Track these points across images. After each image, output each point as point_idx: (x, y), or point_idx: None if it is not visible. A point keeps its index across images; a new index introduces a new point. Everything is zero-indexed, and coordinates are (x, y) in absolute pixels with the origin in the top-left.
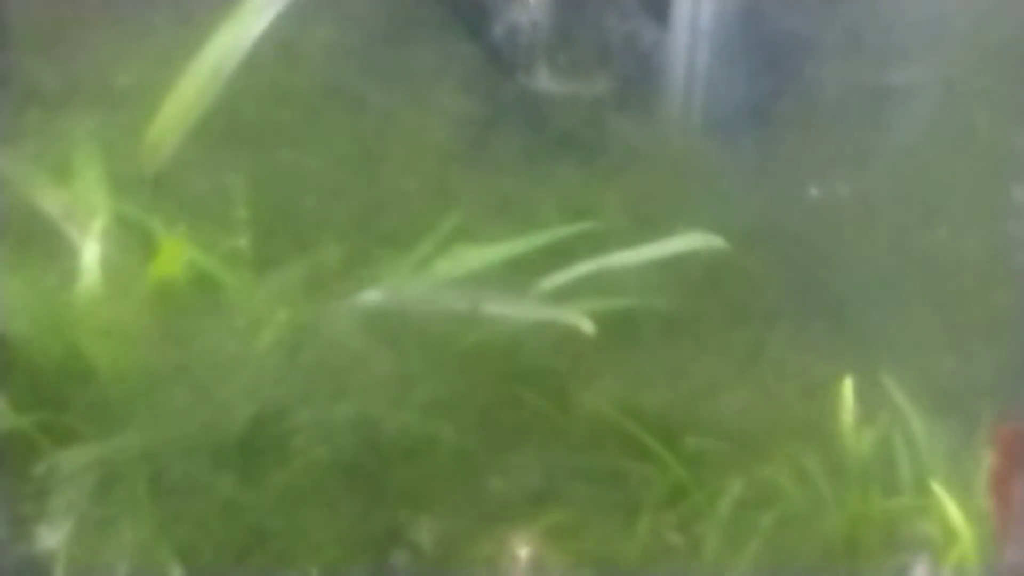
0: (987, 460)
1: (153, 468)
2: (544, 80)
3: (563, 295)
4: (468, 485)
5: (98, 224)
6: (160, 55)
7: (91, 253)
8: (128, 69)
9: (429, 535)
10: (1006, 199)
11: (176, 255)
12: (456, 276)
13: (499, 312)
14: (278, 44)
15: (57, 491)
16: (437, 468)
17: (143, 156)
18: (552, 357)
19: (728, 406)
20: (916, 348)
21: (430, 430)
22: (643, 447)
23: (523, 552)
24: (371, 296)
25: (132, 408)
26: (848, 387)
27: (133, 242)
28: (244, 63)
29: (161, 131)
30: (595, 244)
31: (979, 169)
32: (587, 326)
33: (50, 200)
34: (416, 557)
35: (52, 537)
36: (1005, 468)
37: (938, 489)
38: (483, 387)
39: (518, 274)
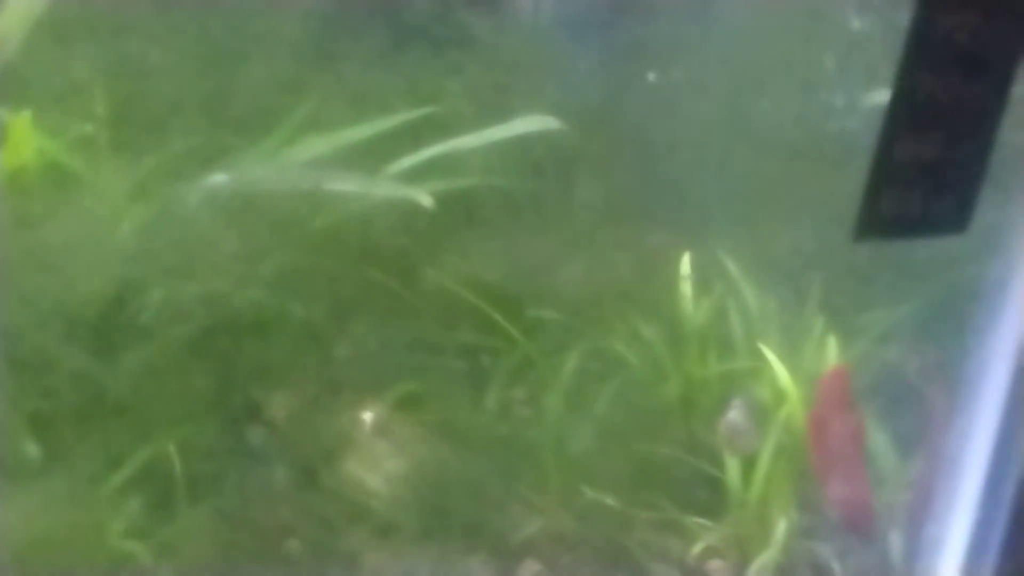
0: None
1: (7, 344)
2: None
3: (409, 178)
4: (318, 360)
5: None
6: None
7: None
8: None
9: (281, 409)
10: (822, 70)
11: (25, 138)
12: (305, 161)
13: (343, 189)
14: None
15: None
16: (288, 344)
17: None
18: (398, 235)
19: (571, 279)
20: (749, 223)
21: (279, 306)
22: (488, 321)
23: (371, 420)
24: (220, 179)
25: None
26: (686, 260)
27: None
28: None
29: (7, 22)
30: (440, 130)
31: (804, 41)
32: (426, 200)
33: None
34: (269, 430)
35: None
36: (825, 409)
37: (768, 353)
38: (332, 265)
39: (366, 160)
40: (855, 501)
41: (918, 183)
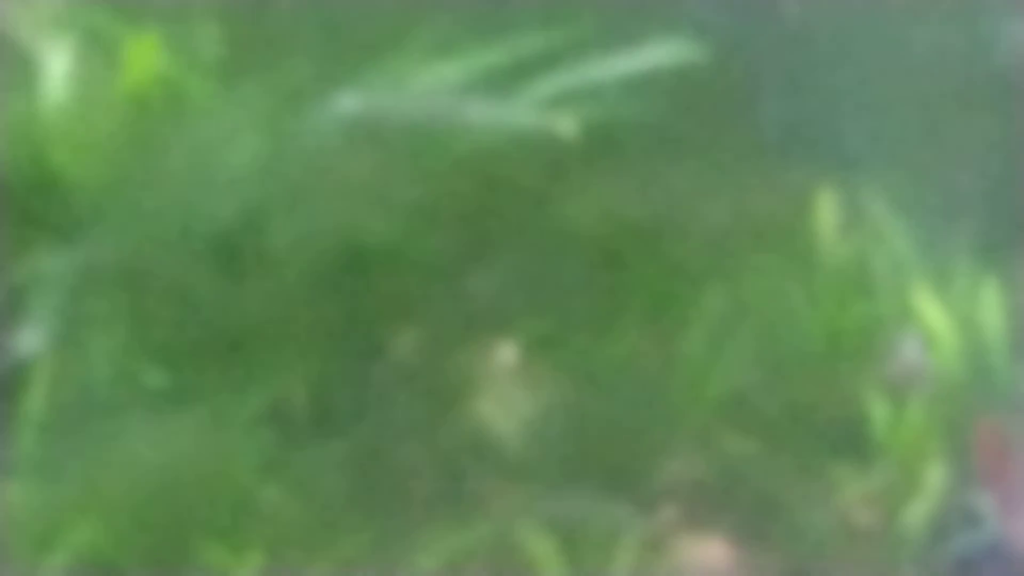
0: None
1: (130, 273)
2: None
3: (541, 108)
4: (449, 295)
5: (64, 33)
6: None
7: (58, 65)
8: None
9: (410, 344)
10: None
11: (146, 59)
12: (434, 88)
13: (480, 120)
14: None
15: (36, 296)
16: (417, 277)
17: None
18: (532, 167)
19: (708, 216)
20: (900, 160)
21: (410, 238)
22: (625, 257)
23: (505, 359)
24: (349, 103)
25: (107, 217)
26: (829, 197)
27: (103, 52)
28: None
29: None
30: (572, 56)
31: None
32: (570, 129)
33: (12, 15)
34: (397, 367)
35: (32, 342)
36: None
37: (919, 295)
38: (464, 196)
39: (494, 87)
40: None
41: None
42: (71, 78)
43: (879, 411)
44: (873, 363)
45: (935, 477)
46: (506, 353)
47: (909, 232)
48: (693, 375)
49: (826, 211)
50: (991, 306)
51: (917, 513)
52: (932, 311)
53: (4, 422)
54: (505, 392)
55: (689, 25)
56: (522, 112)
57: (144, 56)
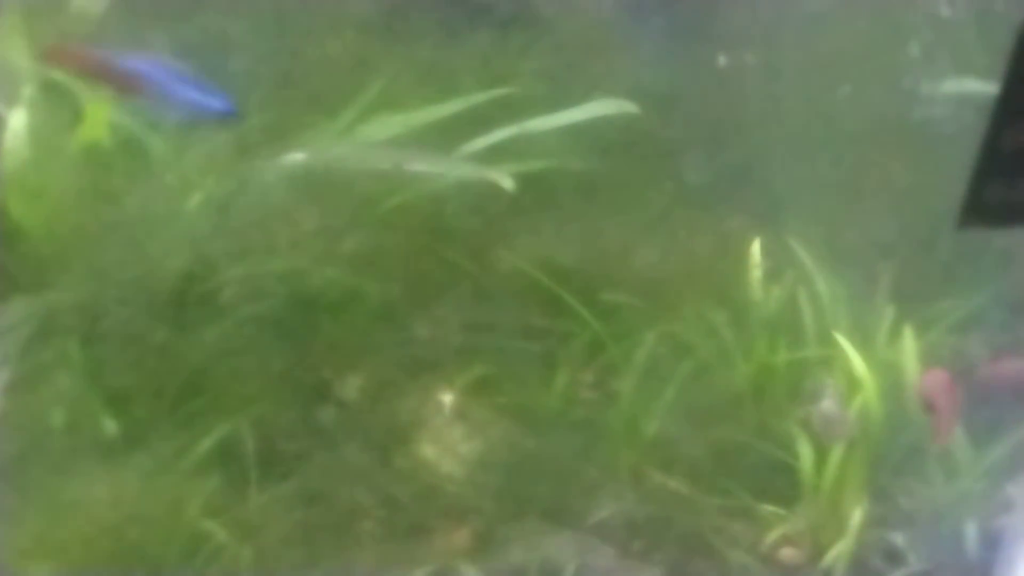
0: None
1: (86, 320)
2: None
3: (482, 160)
4: (391, 339)
5: (26, 91)
6: None
7: (18, 119)
8: None
9: (354, 388)
10: (905, 57)
11: (101, 118)
12: (379, 140)
13: (422, 170)
14: None
15: None
16: (361, 322)
17: (71, 24)
18: (473, 216)
19: (641, 263)
20: (821, 210)
21: (355, 284)
22: (560, 303)
23: (446, 403)
24: (296, 156)
25: (63, 266)
26: (756, 245)
27: (61, 108)
28: None
29: None
30: (512, 111)
31: (880, 32)
32: (507, 183)
33: None
34: (342, 409)
35: None
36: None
37: (841, 340)
38: (406, 244)
39: (439, 140)
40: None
41: None
42: (30, 131)
43: (805, 453)
44: (797, 408)
45: (857, 517)
46: (447, 396)
47: (833, 278)
48: (627, 417)
49: (756, 259)
50: (910, 350)
51: (840, 552)
52: (854, 356)
53: None
54: (447, 434)
55: (622, 81)
56: (464, 164)
57: (101, 110)
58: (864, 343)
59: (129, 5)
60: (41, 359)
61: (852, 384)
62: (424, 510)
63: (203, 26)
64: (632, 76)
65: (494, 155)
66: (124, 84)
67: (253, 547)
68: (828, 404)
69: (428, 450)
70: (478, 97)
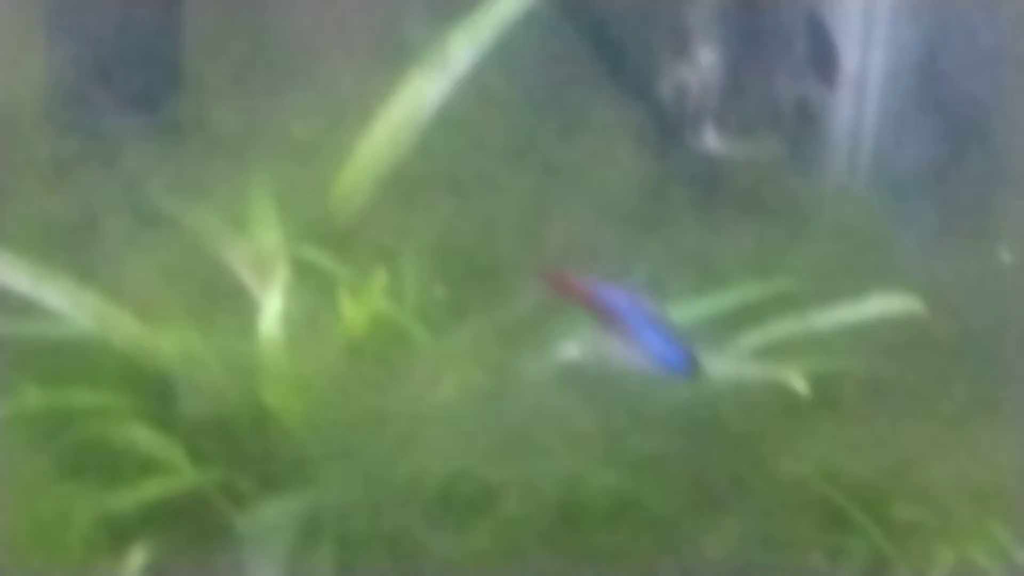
0: None
1: (352, 521)
2: (712, 141)
3: (757, 356)
4: (665, 550)
5: (279, 275)
6: (343, 104)
7: (274, 304)
8: (311, 117)
9: None
10: None
11: (363, 300)
12: None
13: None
14: (458, 101)
15: (258, 545)
16: (635, 531)
17: (333, 205)
18: (754, 418)
19: (932, 475)
20: None
21: (633, 491)
22: (845, 516)
23: None
24: (569, 349)
25: (326, 462)
26: None
27: (320, 292)
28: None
29: (352, 180)
30: (784, 305)
31: None
32: (799, 384)
33: (232, 250)
34: None
35: None
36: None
37: None
38: (685, 449)
39: (710, 333)
40: None
41: None
42: (287, 317)
43: None
44: None
45: None
46: None
47: None
48: None
49: None
50: None
51: None
52: None
53: None
54: None
55: (903, 275)
56: (747, 363)
57: (361, 297)
58: None
59: (393, 186)
60: (309, 560)
61: None
62: None
63: (466, 211)
64: (907, 270)
65: (770, 353)
66: (603, 317)
67: None
68: None
69: None
70: (752, 289)
